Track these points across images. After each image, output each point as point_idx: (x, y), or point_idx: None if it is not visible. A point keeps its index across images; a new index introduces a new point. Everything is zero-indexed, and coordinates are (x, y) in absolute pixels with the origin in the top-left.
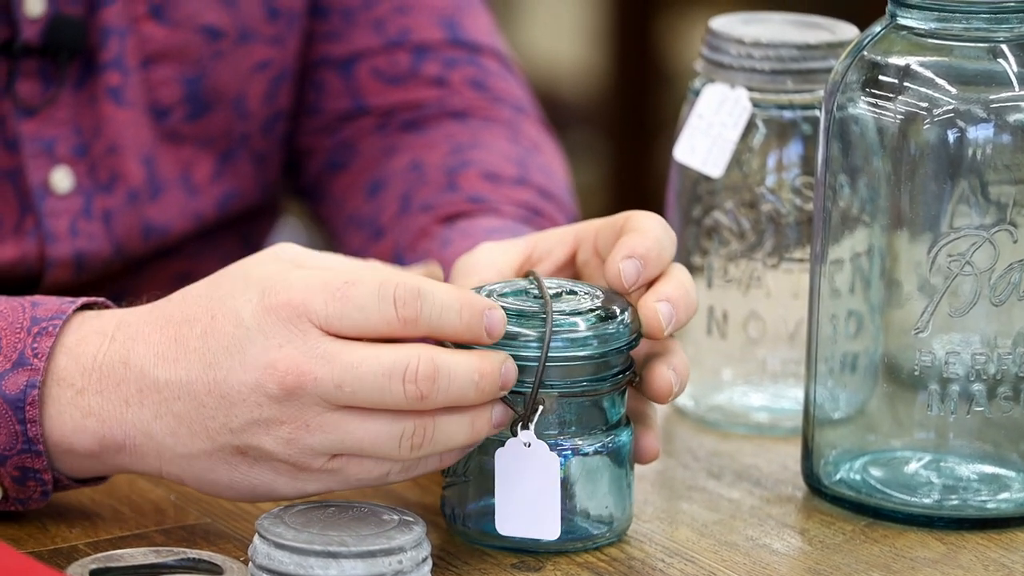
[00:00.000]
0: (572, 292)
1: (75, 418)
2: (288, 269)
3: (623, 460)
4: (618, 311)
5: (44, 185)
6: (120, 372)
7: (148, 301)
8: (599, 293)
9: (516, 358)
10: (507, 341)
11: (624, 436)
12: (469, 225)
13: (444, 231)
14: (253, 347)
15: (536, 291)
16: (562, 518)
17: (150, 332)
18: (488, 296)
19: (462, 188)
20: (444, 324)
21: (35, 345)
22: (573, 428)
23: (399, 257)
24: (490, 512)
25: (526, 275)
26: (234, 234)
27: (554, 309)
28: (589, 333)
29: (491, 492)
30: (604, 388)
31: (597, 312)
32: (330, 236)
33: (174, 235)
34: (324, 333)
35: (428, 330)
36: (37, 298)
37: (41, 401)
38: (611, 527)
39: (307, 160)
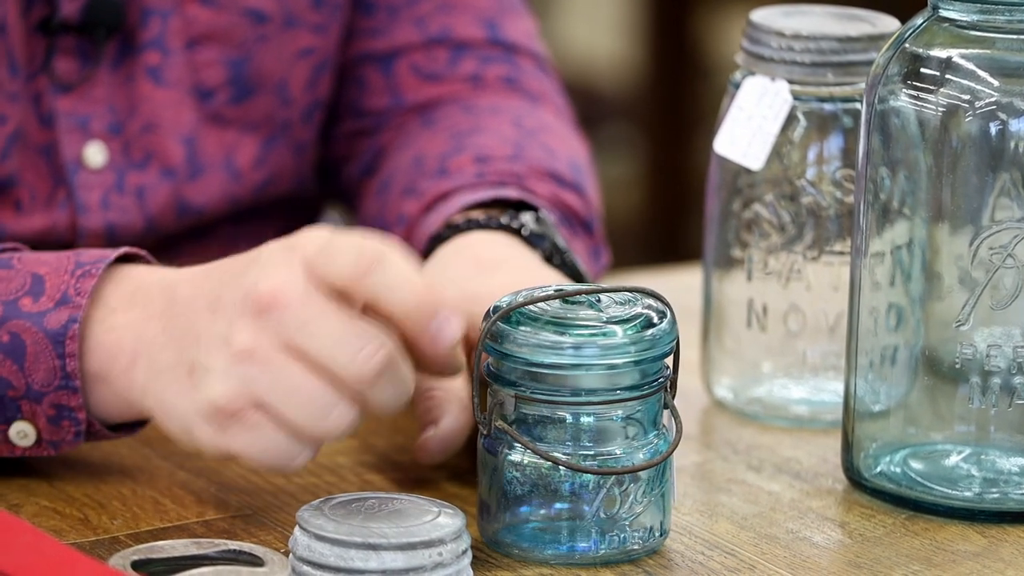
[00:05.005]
0: (600, 298)
1: (97, 335)
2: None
3: (662, 468)
4: (656, 318)
5: (77, 159)
6: (154, 293)
7: None
8: (631, 297)
9: (551, 365)
10: (544, 348)
11: (663, 444)
12: (446, 206)
13: (424, 219)
14: (253, 269)
15: (569, 298)
16: (605, 531)
17: (198, 269)
18: (516, 300)
19: (450, 172)
20: (388, 295)
21: (78, 285)
22: (617, 439)
23: None
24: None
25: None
26: (272, 226)
27: (594, 317)
28: (627, 341)
29: (512, 509)
30: (642, 394)
31: (639, 320)
32: None
33: (209, 215)
34: (311, 276)
35: (374, 293)
36: (81, 250)
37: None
38: (654, 535)
39: (344, 167)
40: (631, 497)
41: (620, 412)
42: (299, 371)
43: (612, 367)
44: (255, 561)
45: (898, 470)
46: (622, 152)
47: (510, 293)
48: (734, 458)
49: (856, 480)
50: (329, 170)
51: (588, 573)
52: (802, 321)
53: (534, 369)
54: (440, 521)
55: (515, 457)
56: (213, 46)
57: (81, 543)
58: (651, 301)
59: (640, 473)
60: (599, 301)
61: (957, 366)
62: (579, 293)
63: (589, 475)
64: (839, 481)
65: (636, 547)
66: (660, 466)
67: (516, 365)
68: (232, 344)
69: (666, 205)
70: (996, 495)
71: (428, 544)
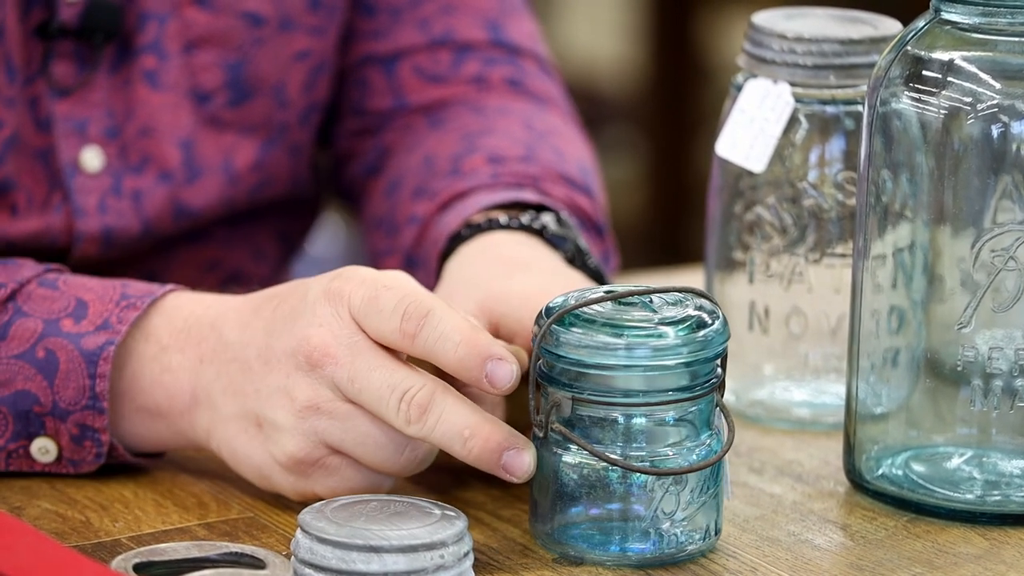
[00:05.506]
0: (652, 299)
1: (154, 372)
2: (368, 269)
3: (716, 469)
4: (708, 319)
5: (74, 163)
6: (205, 332)
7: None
8: (680, 298)
9: (604, 367)
10: (601, 350)
11: (716, 444)
12: (463, 205)
13: (440, 218)
14: (301, 320)
15: (622, 299)
16: (661, 531)
17: (242, 304)
18: (569, 303)
19: (464, 172)
20: (438, 351)
21: (121, 314)
22: (670, 440)
23: (409, 252)
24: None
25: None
26: (267, 227)
27: (647, 318)
28: (679, 342)
29: (566, 508)
30: (694, 395)
31: (692, 321)
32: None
33: (205, 219)
34: (359, 328)
35: (423, 351)
36: (128, 281)
37: (121, 359)
38: (709, 535)
39: (346, 165)
40: (686, 497)
41: (673, 413)
42: (364, 419)
43: (665, 368)
44: (257, 563)
45: (900, 472)
46: (624, 154)
47: (562, 295)
48: (736, 460)
49: (858, 482)
50: (330, 169)
51: (590, 575)
52: (804, 323)
53: (590, 371)
54: (442, 524)
55: (570, 458)
56: (210, 49)
57: (83, 546)
58: (702, 302)
59: (695, 473)
60: (652, 302)
61: (959, 368)
62: (630, 295)
63: (644, 476)
64: (841, 483)
65: (692, 547)
66: (714, 466)
67: (571, 367)
68: (295, 399)
69: (668, 207)
70: (998, 497)
71: (430, 547)
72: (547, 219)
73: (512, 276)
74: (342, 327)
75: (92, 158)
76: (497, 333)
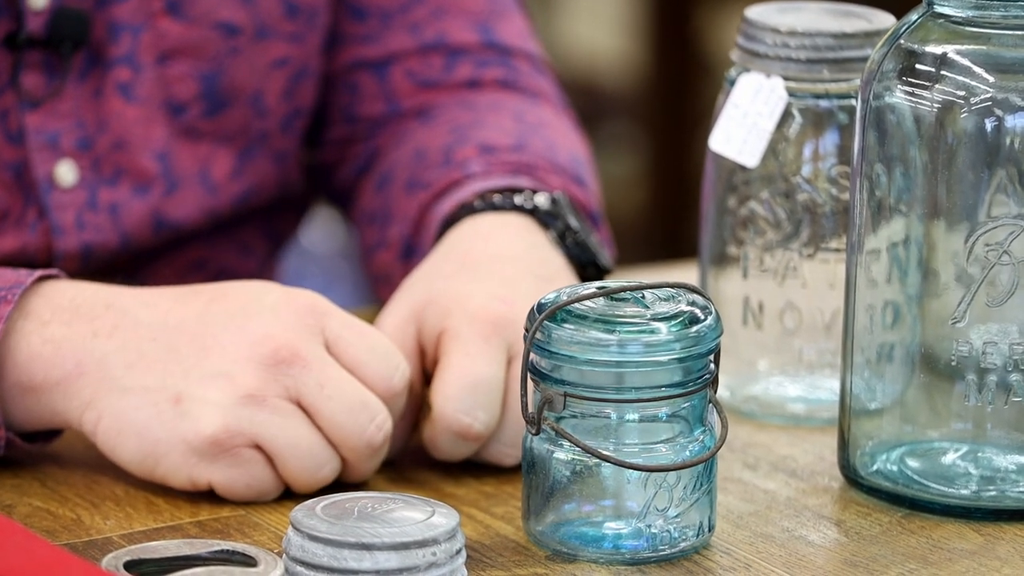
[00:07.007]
0: (644, 295)
1: (33, 345)
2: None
3: (709, 465)
4: (700, 315)
5: (49, 178)
6: (98, 311)
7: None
8: (673, 293)
9: (596, 363)
10: (592, 346)
11: (709, 440)
12: (459, 192)
13: (436, 205)
14: (259, 320)
15: (614, 295)
16: (654, 528)
17: (148, 292)
18: (561, 299)
19: (456, 161)
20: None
21: None
22: (663, 436)
23: (408, 241)
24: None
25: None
26: (254, 227)
27: (639, 314)
28: (671, 338)
29: (559, 504)
30: (687, 391)
31: (684, 317)
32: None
33: (187, 229)
34: (327, 348)
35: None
36: None
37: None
38: (703, 532)
39: (336, 171)
40: (679, 494)
41: (666, 409)
42: (305, 425)
43: (658, 364)
44: (248, 561)
45: (894, 468)
46: (624, 150)
47: (554, 291)
48: (730, 456)
49: (852, 478)
50: (319, 174)
51: (583, 572)
52: (798, 319)
53: (582, 367)
54: (434, 521)
55: (562, 455)
56: (185, 60)
57: (74, 544)
58: (695, 297)
59: (688, 469)
60: (644, 298)
61: (953, 363)
62: (622, 290)
63: (637, 472)
64: (835, 479)
65: (686, 543)
66: (708, 462)
67: (563, 363)
68: (238, 385)
69: (668, 202)
70: (993, 493)
71: (422, 544)
72: (540, 199)
73: (454, 276)
74: (312, 336)
75: (66, 172)
76: (421, 339)
